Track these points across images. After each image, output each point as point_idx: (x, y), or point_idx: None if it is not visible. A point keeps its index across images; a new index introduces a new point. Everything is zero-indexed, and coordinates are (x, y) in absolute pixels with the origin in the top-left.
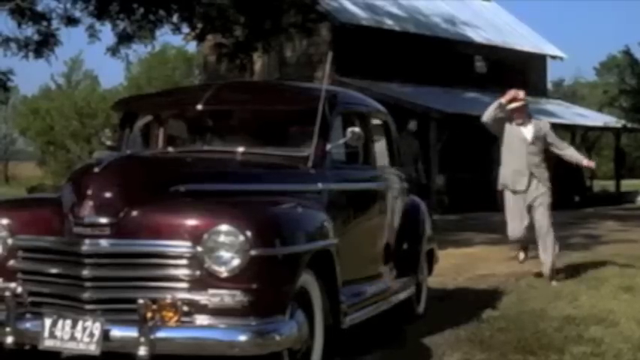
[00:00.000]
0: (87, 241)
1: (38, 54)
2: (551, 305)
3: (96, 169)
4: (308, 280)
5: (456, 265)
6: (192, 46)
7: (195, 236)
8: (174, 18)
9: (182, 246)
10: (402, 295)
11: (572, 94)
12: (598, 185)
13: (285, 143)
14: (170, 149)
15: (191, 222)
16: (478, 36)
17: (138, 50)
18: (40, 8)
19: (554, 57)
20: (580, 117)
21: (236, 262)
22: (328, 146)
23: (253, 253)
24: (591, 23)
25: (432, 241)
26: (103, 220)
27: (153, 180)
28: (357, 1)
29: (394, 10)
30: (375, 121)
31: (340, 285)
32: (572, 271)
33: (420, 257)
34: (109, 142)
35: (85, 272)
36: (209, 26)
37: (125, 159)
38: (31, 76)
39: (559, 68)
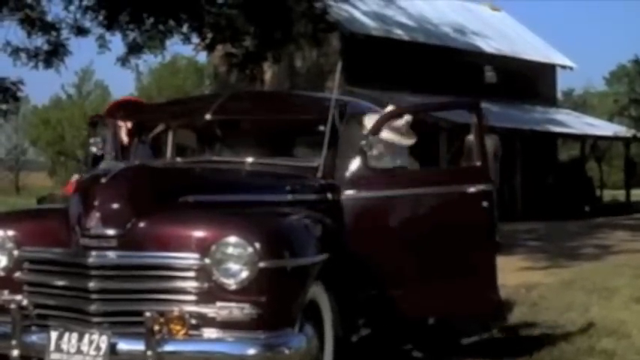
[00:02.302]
0: (93, 253)
1: (48, 64)
2: (562, 317)
3: (103, 180)
4: (318, 292)
5: None
6: (202, 57)
7: (203, 248)
8: (184, 28)
9: (190, 258)
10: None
11: (582, 104)
12: (608, 195)
13: (295, 153)
14: (178, 159)
15: (199, 233)
16: (488, 46)
17: (148, 60)
18: (49, 18)
19: (564, 67)
20: (590, 127)
21: (245, 274)
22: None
23: (262, 265)
24: (601, 33)
25: None
26: (110, 232)
27: (160, 191)
28: (367, 11)
29: (404, 19)
30: None
31: (351, 297)
32: (584, 282)
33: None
34: (94, 149)
35: (92, 284)
36: (218, 36)
37: (133, 169)
38: (43, 87)
39: (569, 78)
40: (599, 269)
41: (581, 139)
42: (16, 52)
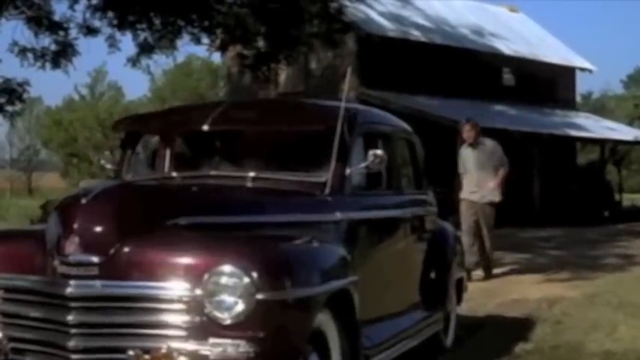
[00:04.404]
0: (72, 282)
1: (55, 64)
2: (588, 337)
3: (83, 201)
4: (324, 320)
5: (486, 288)
6: (217, 58)
7: (194, 278)
8: (194, 28)
9: (179, 288)
10: (430, 330)
11: (600, 108)
12: (626, 199)
13: (301, 167)
14: (174, 174)
15: (189, 261)
16: (506, 48)
17: (159, 61)
18: (57, 18)
19: (582, 69)
20: (610, 130)
21: (240, 307)
22: (348, 171)
23: (260, 297)
24: (619, 35)
25: (461, 268)
26: (91, 259)
27: (148, 212)
28: (384, 11)
29: (421, 21)
30: (400, 141)
31: (361, 325)
32: (608, 296)
33: (449, 287)
34: (108, 166)
35: (71, 317)
36: (228, 36)
37: (116, 188)
38: (57, 87)
39: (588, 81)
40: (623, 281)
41: (600, 143)
42: (23, 52)
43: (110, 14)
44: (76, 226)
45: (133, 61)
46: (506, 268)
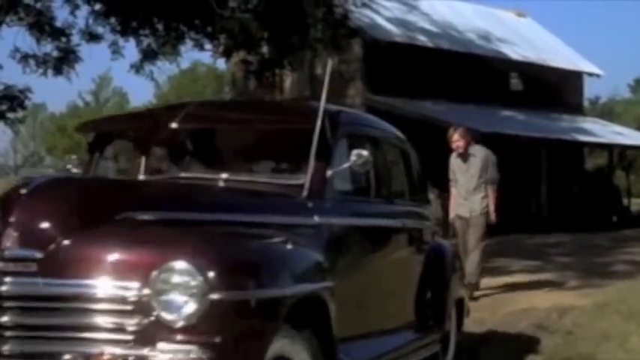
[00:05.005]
0: (8, 279)
1: (58, 71)
2: (600, 349)
3: (23, 191)
4: (290, 341)
5: (494, 297)
6: (222, 64)
7: (142, 275)
8: (196, 33)
9: (125, 287)
10: (426, 352)
11: (608, 112)
12: (635, 204)
13: (279, 169)
14: (141, 177)
15: (137, 257)
16: (513, 52)
17: (162, 67)
18: (59, 24)
19: (590, 74)
20: (618, 135)
21: (191, 307)
22: (329, 173)
23: (214, 296)
24: (628, 39)
25: (461, 288)
26: (29, 254)
27: (93, 205)
28: (390, 16)
29: (427, 26)
30: (391, 148)
31: (338, 340)
32: (619, 305)
33: (447, 307)
34: (75, 170)
35: (6, 319)
36: (231, 42)
37: (58, 179)
38: (60, 94)
39: (596, 85)
40: (634, 289)
41: (609, 148)
42: (25, 58)
43: (113, 20)
44: (13, 218)
45: (137, 68)
46: (514, 276)
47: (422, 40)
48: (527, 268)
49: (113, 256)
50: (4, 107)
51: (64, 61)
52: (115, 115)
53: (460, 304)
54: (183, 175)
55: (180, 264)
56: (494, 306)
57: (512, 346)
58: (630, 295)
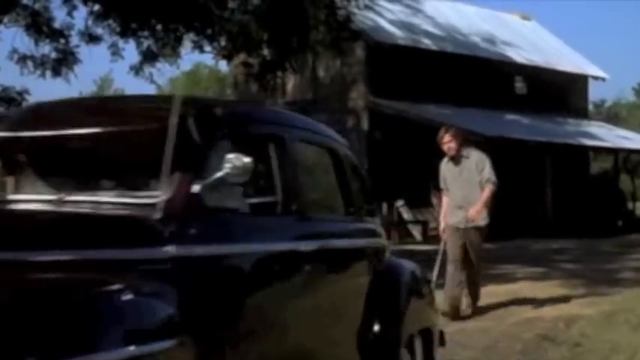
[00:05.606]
0: None
1: (56, 72)
2: None
3: None
4: None
5: (499, 306)
6: (224, 66)
7: None
8: (195, 35)
9: None
10: None
11: (614, 116)
12: (639, 208)
13: (131, 185)
14: None
15: None
16: (518, 56)
17: (162, 69)
18: (57, 25)
19: (595, 77)
20: (623, 139)
21: None
22: (196, 187)
23: None
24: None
25: (431, 315)
26: None
27: None
28: (394, 19)
29: (431, 29)
30: (315, 152)
31: None
32: (627, 314)
33: (399, 346)
34: None
35: None
36: (230, 44)
37: None
38: (61, 95)
39: (600, 89)
40: None
41: (614, 152)
42: (22, 60)
43: (112, 22)
44: None
45: (136, 70)
46: (519, 283)
47: (426, 43)
48: (533, 275)
49: None
50: (1, 109)
51: (62, 63)
52: None
53: (428, 334)
54: (10, 197)
55: None
56: (498, 315)
57: (517, 359)
58: (638, 304)
